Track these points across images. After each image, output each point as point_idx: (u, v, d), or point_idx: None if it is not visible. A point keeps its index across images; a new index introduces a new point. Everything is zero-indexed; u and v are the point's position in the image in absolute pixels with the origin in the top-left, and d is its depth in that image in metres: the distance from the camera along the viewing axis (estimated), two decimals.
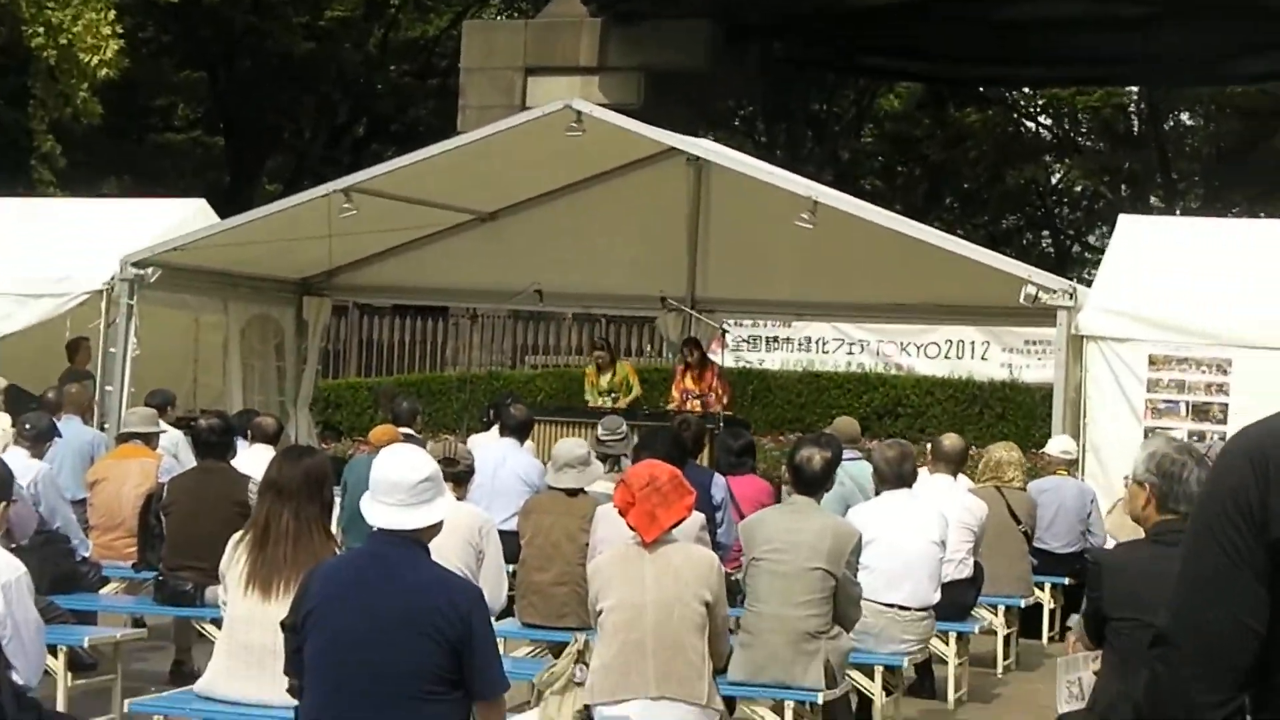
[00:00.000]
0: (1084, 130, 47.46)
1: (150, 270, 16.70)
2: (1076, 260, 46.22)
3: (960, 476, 11.39)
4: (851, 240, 16.51)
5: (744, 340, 25.78)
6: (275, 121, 39.79)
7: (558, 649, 9.73)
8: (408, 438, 13.53)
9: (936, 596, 9.59)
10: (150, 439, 12.09)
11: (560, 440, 10.23)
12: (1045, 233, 49.89)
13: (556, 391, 24.35)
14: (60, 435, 11.59)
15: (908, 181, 46.95)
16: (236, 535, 7.07)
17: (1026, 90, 45.84)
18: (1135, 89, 43.62)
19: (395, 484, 5.52)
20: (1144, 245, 16.50)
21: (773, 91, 40.70)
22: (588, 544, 9.42)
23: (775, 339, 26.36)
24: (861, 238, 16.34)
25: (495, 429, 13.54)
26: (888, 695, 9.37)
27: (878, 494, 10.06)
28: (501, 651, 9.54)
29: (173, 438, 13.22)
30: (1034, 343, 24.79)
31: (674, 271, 18.60)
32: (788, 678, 7.94)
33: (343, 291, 20.75)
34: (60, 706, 8.76)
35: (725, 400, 17.50)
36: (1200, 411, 15.19)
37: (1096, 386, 15.31)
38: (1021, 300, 14.87)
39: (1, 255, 17.48)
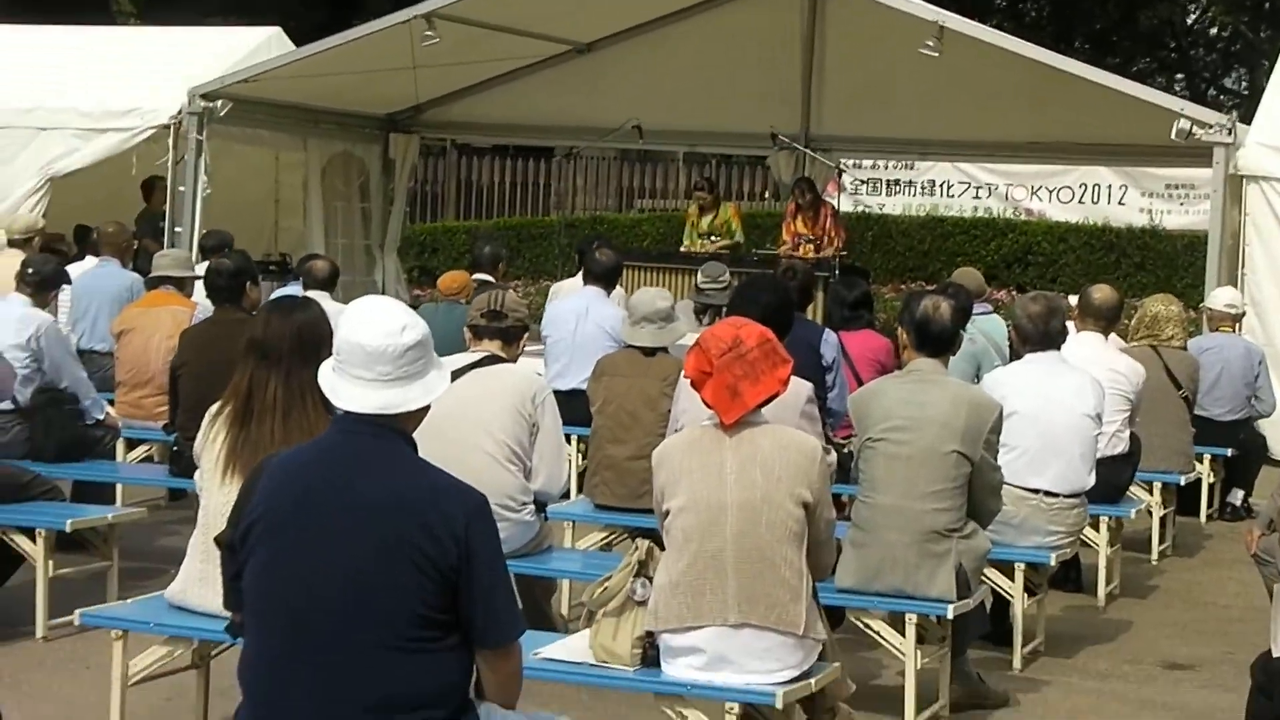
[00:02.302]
0: None
1: (220, 103, 15.60)
2: (1213, 105, 44.02)
3: (1111, 335, 9.67)
4: (980, 73, 15.12)
5: (862, 183, 24.25)
6: None
7: (639, 538, 8.37)
8: (483, 284, 12.18)
9: (1090, 480, 7.93)
10: (184, 284, 10.71)
11: (640, 289, 8.65)
12: (1180, 76, 47.70)
13: (664, 236, 23.17)
14: (69, 281, 10.24)
15: (1035, 22, 44.87)
16: (214, 408, 5.68)
17: None
18: None
19: (372, 352, 4.02)
20: None
21: None
22: (671, 411, 7.98)
23: (896, 182, 24.82)
24: (991, 70, 14.95)
25: (579, 278, 12.05)
26: (1030, 596, 7.78)
27: (1016, 356, 8.54)
28: (569, 540, 8.22)
29: None
30: (1176, 186, 23.20)
31: (787, 107, 17.16)
32: (910, 585, 6.43)
33: (431, 128, 19.41)
34: (40, 598, 7.50)
35: (840, 245, 15.99)
36: None
37: (1258, 233, 13.79)
38: (1173, 136, 13.33)
39: (65, 87, 16.36)
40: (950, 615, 6.43)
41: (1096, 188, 23.80)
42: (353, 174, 18.60)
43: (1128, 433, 9.05)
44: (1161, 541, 10.35)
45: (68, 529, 7.48)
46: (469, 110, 18.52)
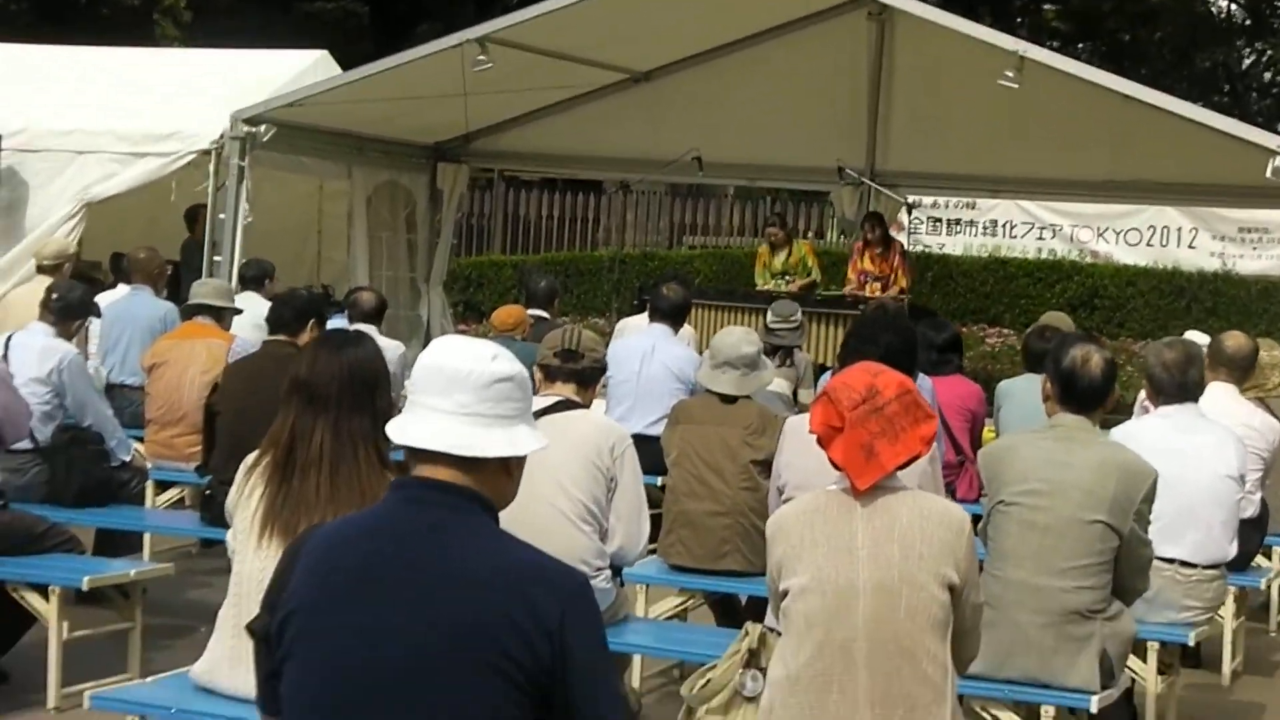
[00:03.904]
0: (1278, 9, 44.74)
1: (264, 128, 14.93)
2: None
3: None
4: (1056, 108, 14.52)
5: (921, 221, 23.47)
6: None
7: (718, 603, 7.61)
8: (539, 320, 11.49)
9: (1233, 550, 7.06)
10: (222, 315, 9.98)
11: (724, 329, 7.82)
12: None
13: (716, 274, 22.50)
14: (98, 313, 9.54)
15: (1089, 62, 44.22)
16: (249, 458, 4.91)
17: None
18: None
19: (452, 376, 3.20)
20: None
21: None
22: (755, 460, 7.20)
23: (957, 221, 24.06)
24: (1068, 104, 14.35)
25: (645, 315, 11.29)
26: (1161, 677, 6.92)
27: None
28: (641, 606, 7.43)
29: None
30: (1250, 229, 22.41)
31: (851, 141, 16.48)
32: (1046, 673, 5.60)
33: (481, 158, 18.71)
34: (52, 664, 6.76)
35: (906, 285, 15.29)
36: None
37: None
38: (1269, 174, 12.49)
39: (104, 110, 15.67)
40: (1094, 709, 5.59)
41: (1166, 230, 22.99)
42: (399, 204, 17.93)
43: (1259, 496, 8.19)
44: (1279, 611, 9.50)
45: (84, 587, 6.74)
46: (519, 140, 17.87)
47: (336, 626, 3.14)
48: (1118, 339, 20.71)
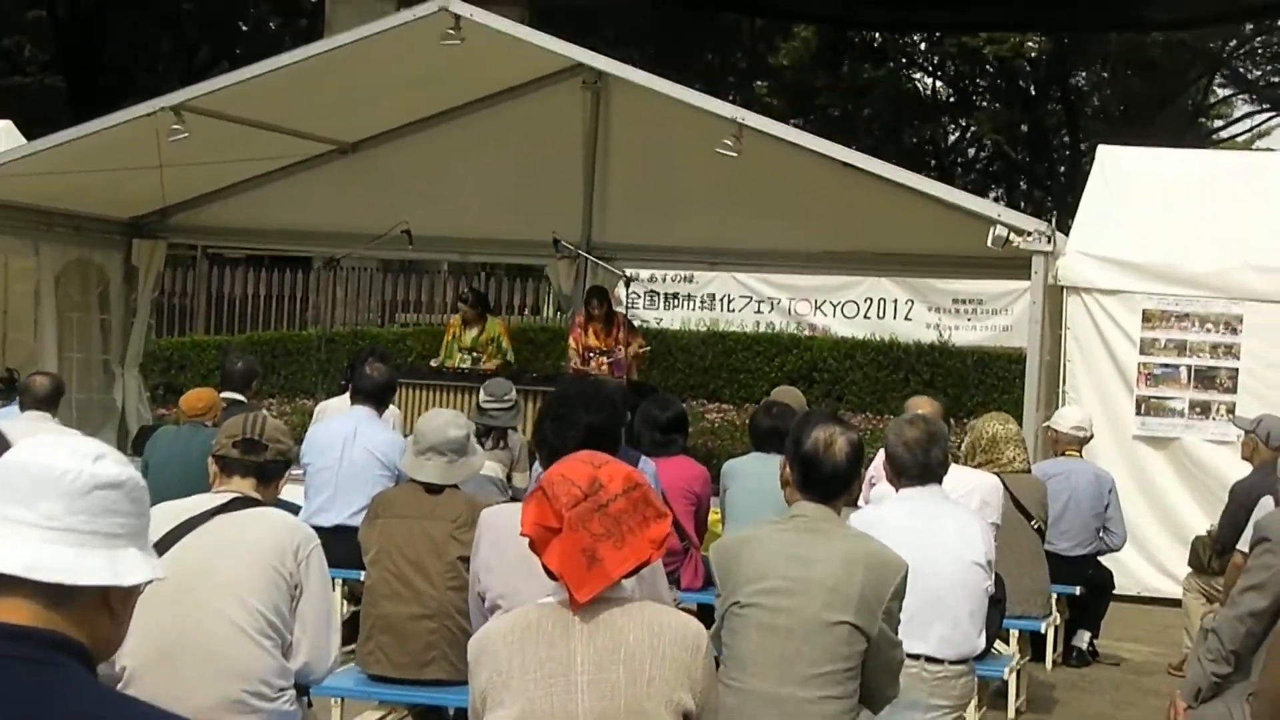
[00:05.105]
0: (981, 88, 45.80)
1: None
2: None
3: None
4: (774, 179, 14.31)
5: (639, 296, 23.14)
6: (125, 63, 36.56)
7: (423, 717, 6.93)
8: (233, 404, 10.70)
9: (981, 642, 6.51)
10: None
11: (430, 411, 7.11)
12: None
13: (431, 352, 21.71)
14: None
15: None
16: None
17: (923, 46, 44.12)
18: (1036, 44, 41.76)
19: (38, 478, 2.48)
20: (1130, 180, 14.00)
21: (663, 37, 38.50)
22: (463, 557, 6.49)
23: (675, 295, 23.78)
24: (786, 175, 14.14)
25: (347, 396, 10.54)
26: None
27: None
28: None
29: None
30: (964, 301, 22.51)
31: (567, 213, 16.03)
32: None
33: (181, 233, 17.89)
34: None
35: (638, 347, 14.94)
36: (1205, 378, 12.83)
37: (1080, 348, 12.93)
38: (989, 244, 12.24)
39: None
40: None
41: (882, 302, 23.02)
42: (91, 283, 16.99)
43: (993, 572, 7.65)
44: (1017, 696, 9.05)
45: None
46: (221, 215, 17.09)
47: None
48: (836, 413, 20.53)
